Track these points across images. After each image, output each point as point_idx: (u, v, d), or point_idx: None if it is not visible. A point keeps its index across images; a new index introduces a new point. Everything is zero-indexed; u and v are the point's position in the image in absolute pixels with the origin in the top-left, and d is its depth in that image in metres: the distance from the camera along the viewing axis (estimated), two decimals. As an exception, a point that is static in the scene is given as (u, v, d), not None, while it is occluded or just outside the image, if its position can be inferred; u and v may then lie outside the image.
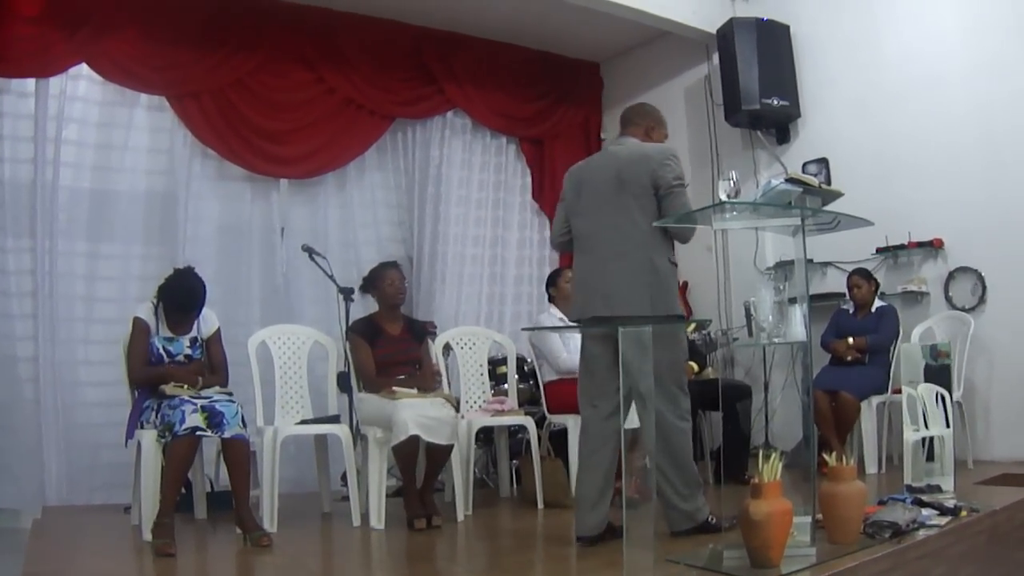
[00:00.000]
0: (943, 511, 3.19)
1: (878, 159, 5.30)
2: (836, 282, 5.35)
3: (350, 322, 4.25)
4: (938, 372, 4.31)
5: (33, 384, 4.65)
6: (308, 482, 4.63)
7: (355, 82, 5.80)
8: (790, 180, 2.98)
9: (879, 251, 5.23)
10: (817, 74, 5.67)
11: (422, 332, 4.41)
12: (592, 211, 3.32)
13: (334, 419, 4.18)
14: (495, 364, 4.97)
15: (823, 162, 5.58)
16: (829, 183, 5.18)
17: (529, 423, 4.38)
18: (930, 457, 4.04)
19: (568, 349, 4.51)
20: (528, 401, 4.90)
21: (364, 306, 4.57)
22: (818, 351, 4.89)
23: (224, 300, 4.95)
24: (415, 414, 3.69)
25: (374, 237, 5.97)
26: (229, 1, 5.33)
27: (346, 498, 4.08)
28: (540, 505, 4.28)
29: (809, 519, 2.77)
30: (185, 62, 5.19)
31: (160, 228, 5.16)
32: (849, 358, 4.91)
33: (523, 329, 5.13)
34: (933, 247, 5.07)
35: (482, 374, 4.79)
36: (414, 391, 3.93)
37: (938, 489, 3.66)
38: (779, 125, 5.85)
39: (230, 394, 3.72)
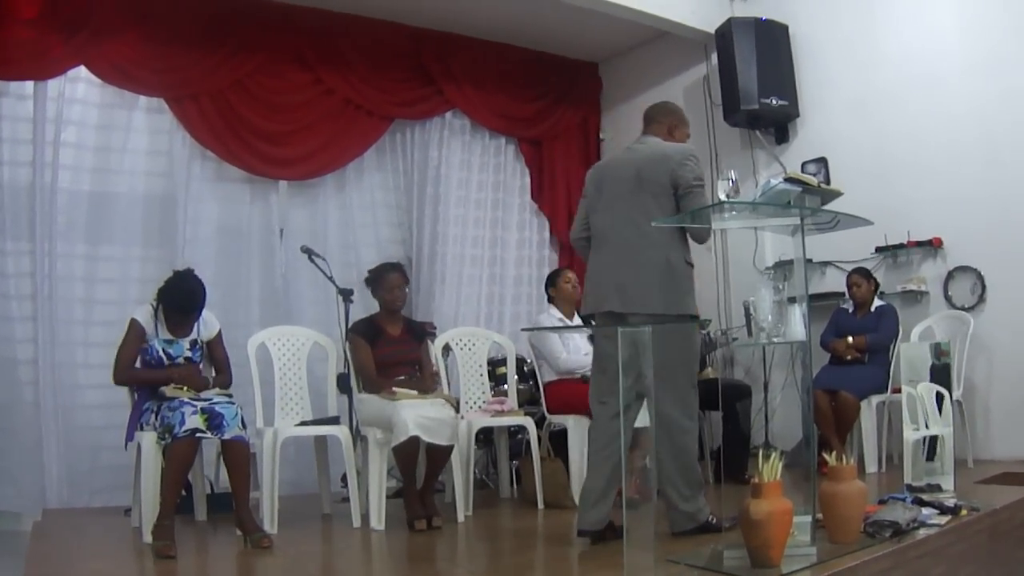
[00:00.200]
0: (943, 510, 3.20)
1: (877, 158, 5.30)
2: (835, 281, 5.35)
3: (350, 323, 4.26)
4: (938, 371, 4.31)
5: (33, 387, 4.65)
6: (308, 483, 4.63)
7: (354, 83, 5.79)
8: (789, 180, 2.99)
9: (878, 250, 5.23)
10: (816, 74, 5.66)
11: (422, 333, 4.42)
12: (611, 208, 3.33)
13: (334, 420, 4.17)
14: (495, 364, 4.97)
15: (822, 161, 5.57)
16: (828, 182, 5.17)
17: (529, 423, 4.38)
18: (930, 456, 4.04)
19: (568, 349, 4.51)
20: (528, 401, 4.90)
21: (364, 307, 4.58)
22: (818, 351, 4.89)
23: (223, 302, 4.95)
24: (415, 415, 3.69)
25: (373, 238, 5.96)
26: (227, 3, 5.33)
27: (346, 499, 4.07)
28: (540, 505, 4.28)
29: (809, 518, 2.77)
30: (184, 64, 5.18)
31: (159, 230, 5.16)
32: (849, 357, 4.91)
33: (523, 329, 5.11)
34: (932, 246, 5.06)
35: (482, 375, 4.79)
36: (414, 392, 3.93)
37: (938, 488, 3.66)
38: (778, 125, 5.84)
39: (230, 396, 3.72)
